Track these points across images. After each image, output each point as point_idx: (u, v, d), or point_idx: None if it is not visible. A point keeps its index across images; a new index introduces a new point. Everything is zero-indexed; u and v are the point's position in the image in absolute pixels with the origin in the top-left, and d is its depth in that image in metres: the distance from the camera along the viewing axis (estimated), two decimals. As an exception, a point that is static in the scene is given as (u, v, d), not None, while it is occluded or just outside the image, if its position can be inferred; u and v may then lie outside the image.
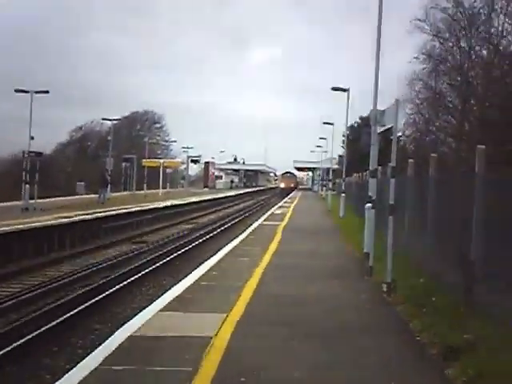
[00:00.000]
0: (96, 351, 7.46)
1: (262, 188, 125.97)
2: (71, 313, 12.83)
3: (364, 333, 8.41)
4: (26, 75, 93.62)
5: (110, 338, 8.03)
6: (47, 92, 38.06)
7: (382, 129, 13.62)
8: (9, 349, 10.26)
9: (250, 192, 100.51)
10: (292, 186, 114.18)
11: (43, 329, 11.50)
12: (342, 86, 36.16)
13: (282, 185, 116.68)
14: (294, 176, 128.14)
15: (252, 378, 6.40)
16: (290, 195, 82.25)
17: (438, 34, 37.51)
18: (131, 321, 9.08)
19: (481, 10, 34.53)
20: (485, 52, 33.86)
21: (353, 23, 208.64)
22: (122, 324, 9.08)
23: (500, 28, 31.54)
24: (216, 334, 8.07)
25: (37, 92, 37.11)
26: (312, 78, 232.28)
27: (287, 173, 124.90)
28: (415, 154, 34.75)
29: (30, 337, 10.99)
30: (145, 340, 7.87)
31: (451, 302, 9.18)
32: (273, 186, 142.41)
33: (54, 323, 11.94)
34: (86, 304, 13.69)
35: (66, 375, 6.66)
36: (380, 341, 7.99)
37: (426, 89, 40.53)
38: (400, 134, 43.65)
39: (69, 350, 10.83)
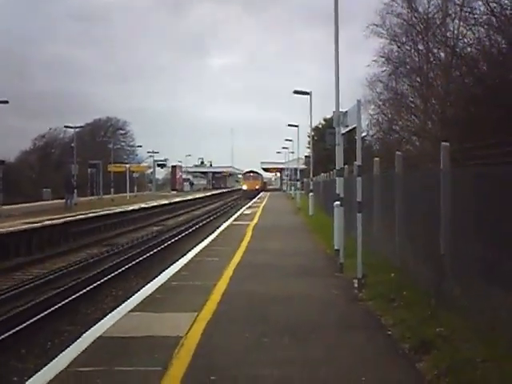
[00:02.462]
0: (64, 352, 7.37)
1: (230, 189, 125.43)
2: (41, 315, 12.71)
3: (336, 329, 8.39)
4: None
5: (78, 340, 7.94)
6: (6, 102, 37.73)
7: (346, 129, 13.73)
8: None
9: (219, 194, 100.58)
10: (257, 187, 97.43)
11: (11, 332, 11.36)
12: (304, 90, 36.54)
13: (245, 186, 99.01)
14: (260, 176, 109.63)
15: (223, 376, 6.35)
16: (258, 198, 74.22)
17: (394, 38, 37.93)
18: (101, 322, 9.00)
19: (435, 15, 35.03)
20: (442, 54, 34.28)
21: (313, 26, 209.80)
22: (92, 325, 8.99)
23: (456, 31, 32.02)
24: (186, 334, 8.02)
25: (-4, 102, 36.80)
26: (275, 82, 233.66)
27: (250, 172, 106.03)
28: (381, 152, 35.04)
29: (2, 337, 10.88)
30: (114, 340, 7.79)
31: (422, 296, 9.23)
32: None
33: (22, 326, 11.80)
34: (56, 306, 13.57)
35: (33, 377, 6.58)
36: (352, 336, 7.99)
37: (387, 90, 40.91)
38: (364, 134, 43.96)
39: (37, 352, 10.72)
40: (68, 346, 7.72)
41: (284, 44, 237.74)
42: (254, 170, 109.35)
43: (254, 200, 65.91)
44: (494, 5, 22.82)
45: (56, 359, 7.12)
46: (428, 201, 10.04)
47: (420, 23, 35.77)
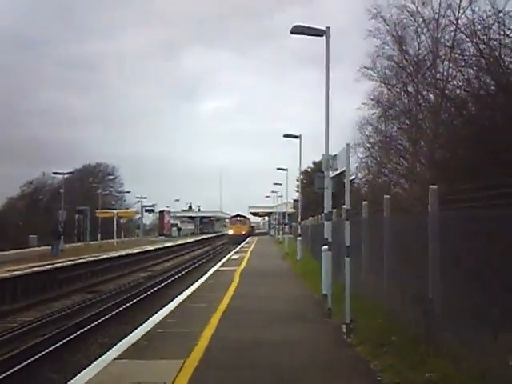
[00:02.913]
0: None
1: (218, 234, 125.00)
2: (26, 362, 12.47)
3: (325, 374, 8.28)
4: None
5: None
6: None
7: (335, 173, 13.75)
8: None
9: (207, 238, 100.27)
10: (243, 232, 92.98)
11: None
12: (293, 133, 36.75)
13: (231, 231, 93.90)
14: (247, 220, 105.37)
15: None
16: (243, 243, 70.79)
17: (385, 80, 38.36)
18: (86, 369, 8.83)
19: (426, 57, 35.52)
20: (432, 96, 34.64)
21: (302, 70, 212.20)
22: (77, 373, 8.81)
23: (445, 73, 32.44)
24: (173, 381, 7.87)
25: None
26: (265, 125, 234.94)
27: (237, 216, 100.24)
28: (369, 196, 35.13)
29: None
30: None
31: (411, 341, 9.11)
32: None
33: (9, 372, 11.58)
34: (41, 353, 13.33)
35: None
36: (341, 382, 7.88)
37: (376, 133, 41.16)
38: (353, 176, 44.16)
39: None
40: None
41: (275, 87, 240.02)
42: (241, 213, 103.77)
43: (242, 245, 65.66)
44: (483, 46, 23.12)
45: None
46: (416, 244, 9.99)
47: (410, 65, 36.21)
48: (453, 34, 30.99)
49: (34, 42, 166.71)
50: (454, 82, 30.07)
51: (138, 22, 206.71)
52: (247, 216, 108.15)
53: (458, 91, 28.50)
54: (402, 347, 8.98)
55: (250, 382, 7.78)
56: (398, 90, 38.06)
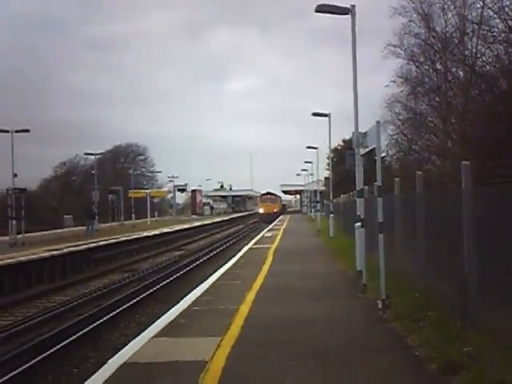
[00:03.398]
0: (90, 380, 7.39)
1: (250, 212, 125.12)
2: (66, 341, 12.75)
3: (362, 351, 8.31)
4: (7, 114, 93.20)
5: (103, 366, 7.95)
6: (28, 131, 38.24)
7: (366, 150, 13.73)
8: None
9: (239, 217, 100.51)
10: (275, 210, 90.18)
11: (38, 358, 11.41)
12: (323, 111, 36.51)
13: (261, 210, 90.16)
14: (278, 198, 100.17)
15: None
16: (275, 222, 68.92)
17: (412, 58, 37.99)
18: (125, 348, 9.01)
19: (453, 34, 35.08)
20: (461, 73, 34.25)
21: (330, 48, 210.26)
22: (116, 352, 9.00)
23: (474, 50, 32.02)
24: (211, 358, 8.01)
25: (17, 131, 37.31)
26: (293, 104, 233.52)
27: (267, 194, 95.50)
28: (401, 172, 34.96)
29: (29, 364, 10.95)
30: (139, 366, 7.77)
31: (447, 316, 9.14)
32: None
33: (49, 352, 11.85)
34: (81, 332, 13.61)
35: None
36: (378, 357, 7.91)
37: (405, 110, 40.86)
38: (384, 154, 43.93)
39: (63, 379, 10.76)
40: (93, 373, 7.73)
41: (301, 66, 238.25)
42: (272, 191, 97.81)
43: (275, 223, 65.67)
44: (512, 22, 22.83)
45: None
46: (450, 220, 9.97)
47: (438, 42, 35.85)
48: (480, 10, 30.61)
49: (61, 23, 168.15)
50: (484, 59, 29.74)
51: (164, 2, 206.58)
52: (278, 194, 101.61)
53: (487, 67, 28.18)
54: (438, 322, 9.00)
55: (287, 359, 7.86)
56: (426, 67, 37.74)
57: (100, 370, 7.75)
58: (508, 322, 7.33)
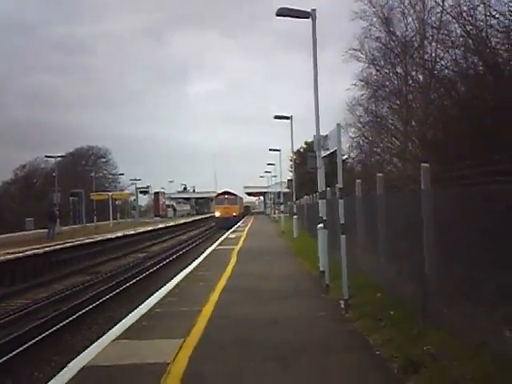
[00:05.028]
0: (51, 383, 7.32)
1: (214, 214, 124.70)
2: (27, 345, 12.58)
3: (324, 350, 8.38)
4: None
5: (64, 369, 7.87)
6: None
7: (327, 152, 13.83)
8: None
9: (203, 219, 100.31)
10: (234, 214, 75.27)
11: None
12: (285, 114, 36.76)
13: (218, 213, 75.54)
14: (237, 198, 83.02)
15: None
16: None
17: (373, 61, 38.35)
18: (86, 350, 8.94)
19: (413, 38, 35.51)
20: (421, 77, 34.68)
21: (293, 51, 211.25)
22: (78, 354, 8.92)
23: (433, 54, 32.47)
24: (173, 360, 7.99)
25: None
26: (257, 106, 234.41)
27: (224, 193, 79.00)
28: (362, 175, 35.30)
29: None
30: (100, 369, 7.72)
31: (409, 315, 9.24)
32: None
33: (9, 356, 11.69)
34: (42, 335, 13.45)
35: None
36: (340, 357, 7.98)
37: (366, 113, 41.26)
38: (346, 156, 44.34)
39: (24, 383, 10.63)
40: (54, 376, 7.65)
41: (265, 68, 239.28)
42: (230, 190, 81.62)
43: (239, 224, 65.30)
44: (470, 27, 23.19)
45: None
46: (410, 221, 10.10)
47: (398, 46, 36.22)
48: (439, 15, 31.04)
49: (23, 25, 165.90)
50: (443, 63, 30.12)
51: (127, 4, 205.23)
52: (237, 194, 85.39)
53: (446, 71, 28.56)
54: (399, 321, 9.10)
55: (250, 360, 7.88)
56: (386, 70, 38.09)
57: (60, 373, 7.67)
58: (467, 321, 7.45)
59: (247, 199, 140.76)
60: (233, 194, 79.86)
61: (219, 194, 79.95)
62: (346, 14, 51.92)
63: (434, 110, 28.28)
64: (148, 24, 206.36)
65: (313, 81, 14.25)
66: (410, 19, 35.77)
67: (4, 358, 11.52)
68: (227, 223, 64.58)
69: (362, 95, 40.08)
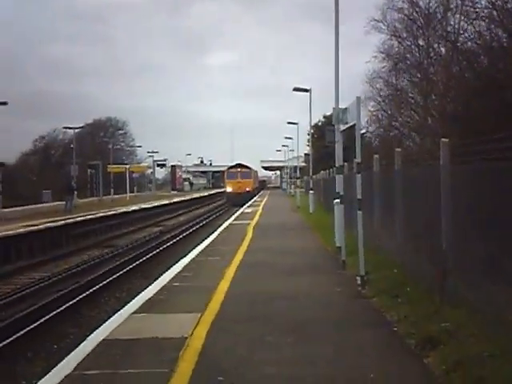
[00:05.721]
0: (69, 356, 7.34)
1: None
2: (45, 318, 12.71)
3: (340, 326, 8.39)
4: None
5: (83, 343, 7.93)
6: (5, 103, 37.55)
7: (345, 126, 13.72)
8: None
9: (219, 192, 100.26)
10: (248, 189, 67.86)
11: (17, 335, 11.36)
12: (303, 87, 36.45)
13: (229, 188, 68.13)
14: (252, 171, 74.43)
15: (230, 375, 6.34)
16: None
17: (395, 33, 37.99)
18: (104, 324, 8.99)
19: (436, 10, 35.07)
20: (443, 49, 34.31)
21: (312, 24, 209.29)
22: (96, 328, 8.99)
23: (456, 26, 32.05)
24: (191, 334, 8.03)
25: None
26: (275, 79, 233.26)
27: (238, 166, 70.85)
28: (380, 149, 35.12)
29: (6, 342, 10.89)
30: (119, 343, 7.77)
31: (425, 292, 9.22)
32: None
33: (28, 328, 11.81)
34: (60, 309, 13.58)
35: (41, 380, 6.57)
36: (357, 333, 7.98)
37: (386, 86, 40.98)
38: (364, 130, 44.11)
39: (44, 356, 10.74)
40: (73, 350, 7.71)
41: (284, 41, 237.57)
42: (243, 163, 73.05)
43: (255, 198, 65.20)
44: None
45: (62, 363, 7.09)
46: (428, 197, 10.04)
47: (421, 18, 35.82)
48: (464, -14, 30.54)
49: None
50: (466, 35, 29.82)
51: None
52: (251, 167, 76.18)
53: (469, 44, 28.22)
54: (416, 298, 9.09)
55: (266, 335, 7.89)
56: (408, 43, 37.80)
57: (79, 347, 7.72)
58: (485, 298, 7.42)
59: (263, 173, 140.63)
60: (246, 167, 71.61)
61: (231, 167, 71.93)
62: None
63: (456, 84, 27.97)
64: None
65: (334, 53, 14.13)
66: (433, -10, 35.32)
67: (24, 331, 11.64)
68: (240, 199, 59.66)
69: (383, 68, 39.88)
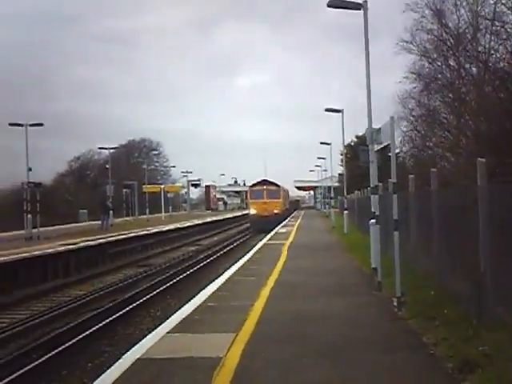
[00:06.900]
0: (105, 374, 7.40)
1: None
2: (80, 336, 12.82)
3: (377, 348, 8.31)
4: (17, 109, 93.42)
5: (118, 361, 7.99)
6: (42, 125, 38.33)
7: (379, 146, 13.67)
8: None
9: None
10: (275, 211, 54.65)
11: (52, 353, 11.47)
12: (335, 107, 36.58)
13: (253, 210, 55.82)
14: (280, 189, 58.65)
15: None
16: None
17: (425, 54, 37.90)
18: (140, 343, 9.03)
19: (466, 30, 34.92)
20: (474, 69, 34.12)
21: (339, 45, 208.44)
22: (132, 346, 9.05)
23: (487, 46, 31.88)
24: (226, 354, 8.03)
25: (31, 125, 37.39)
26: (305, 100, 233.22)
27: (263, 183, 57.53)
28: (415, 169, 34.92)
29: (42, 359, 11.01)
30: (154, 362, 7.80)
31: (463, 314, 9.10)
32: None
33: (64, 346, 11.93)
34: (96, 327, 13.69)
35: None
36: (394, 356, 7.89)
37: (419, 106, 40.79)
38: (398, 150, 43.81)
39: (78, 374, 10.82)
40: (108, 368, 7.76)
41: (313, 62, 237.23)
42: (269, 179, 59.18)
43: (289, 218, 64.77)
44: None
45: (97, 381, 7.16)
46: (466, 218, 9.93)
47: (451, 38, 35.72)
48: (493, 6, 30.45)
49: (72, 17, 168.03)
50: (497, 55, 29.56)
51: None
52: (280, 184, 59.86)
53: (501, 64, 27.97)
54: (453, 320, 8.97)
55: (301, 355, 7.86)
56: (439, 63, 37.60)
57: (115, 365, 7.78)
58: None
59: (297, 193, 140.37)
60: (274, 184, 57.73)
61: (255, 184, 58.56)
62: (397, 7, 51.02)
63: (489, 103, 27.74)
64: (196, 17, 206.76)
65: (365, 74, 14.04)
66: (462, 11, 35.40)
67: (60, 349, 11.76)
68: (266, 224, 48.07)
69: (414, 88, 39.68)
